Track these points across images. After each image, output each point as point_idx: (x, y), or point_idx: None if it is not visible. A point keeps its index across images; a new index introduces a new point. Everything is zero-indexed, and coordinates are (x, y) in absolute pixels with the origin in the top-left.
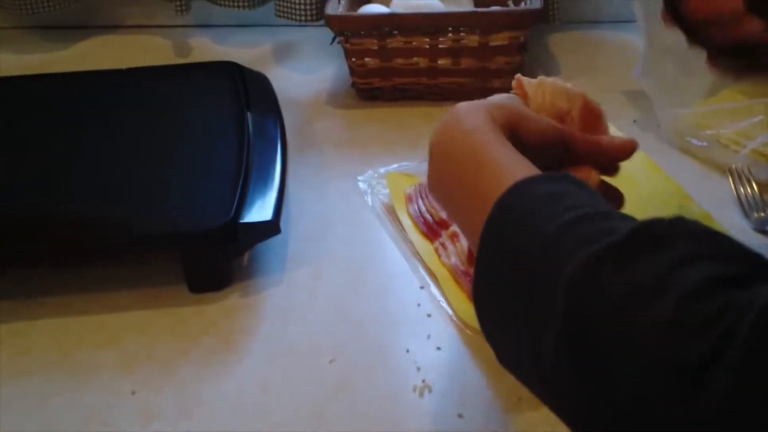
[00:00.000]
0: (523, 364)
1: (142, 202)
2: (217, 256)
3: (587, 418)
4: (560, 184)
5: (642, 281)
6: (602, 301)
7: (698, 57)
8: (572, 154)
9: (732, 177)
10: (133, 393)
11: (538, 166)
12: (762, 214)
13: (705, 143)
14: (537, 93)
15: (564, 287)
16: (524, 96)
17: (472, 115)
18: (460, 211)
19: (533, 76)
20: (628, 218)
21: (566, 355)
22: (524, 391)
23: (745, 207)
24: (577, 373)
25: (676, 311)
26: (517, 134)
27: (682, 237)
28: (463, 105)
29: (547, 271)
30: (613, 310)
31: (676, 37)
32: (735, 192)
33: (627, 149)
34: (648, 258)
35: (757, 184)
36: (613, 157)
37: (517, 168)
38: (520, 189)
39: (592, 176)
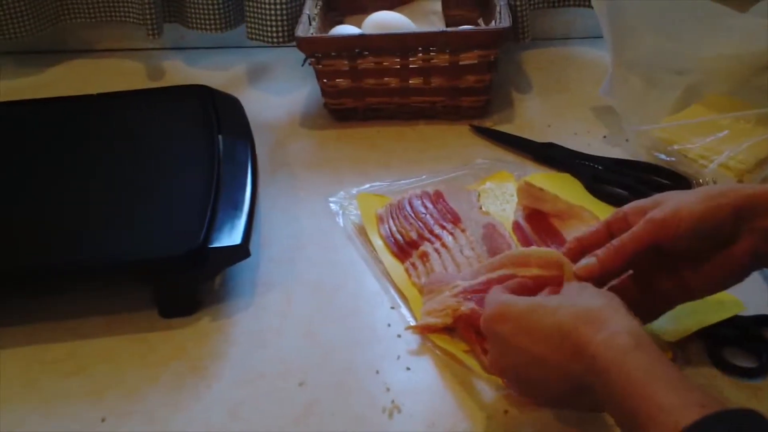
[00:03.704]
0: None
1: (111, 228)
2: (187, 281)
3: None
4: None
5: None
6: None
7: (664, 72)
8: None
9: None
10: (103, 420)
11: None
12: None
13: (673, 158)
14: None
15: None
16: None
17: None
18: None
19: (505, 93)
20: None
21: None
22: (492, 409)
23: None
24: None
25: None
26: None
27: None
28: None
29: None
30: None
31: (641, 52)
32: None
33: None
34: None
35: None
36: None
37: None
38: None
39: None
